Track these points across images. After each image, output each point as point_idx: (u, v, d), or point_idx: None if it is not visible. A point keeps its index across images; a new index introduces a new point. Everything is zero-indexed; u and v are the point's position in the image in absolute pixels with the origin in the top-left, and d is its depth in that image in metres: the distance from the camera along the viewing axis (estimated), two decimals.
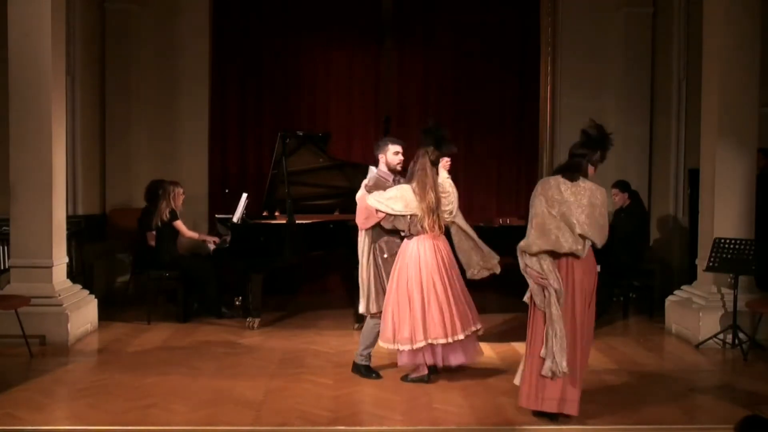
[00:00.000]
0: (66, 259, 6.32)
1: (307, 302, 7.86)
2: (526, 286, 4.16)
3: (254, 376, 5.02)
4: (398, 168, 5.15)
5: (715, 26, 6.24)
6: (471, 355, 4.98)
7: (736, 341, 5.81)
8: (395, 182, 5.07)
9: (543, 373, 3.97)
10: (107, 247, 8.32)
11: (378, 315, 4.93)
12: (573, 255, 4.05)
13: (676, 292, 6.67)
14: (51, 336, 5.81)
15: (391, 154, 5.12)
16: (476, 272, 4.99)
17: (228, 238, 6.82)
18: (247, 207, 6.88)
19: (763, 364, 5.51)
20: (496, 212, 8.64)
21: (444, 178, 4.95)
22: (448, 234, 5.02)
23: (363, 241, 4.98)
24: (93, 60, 8.24)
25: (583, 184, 4.20)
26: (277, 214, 7.38)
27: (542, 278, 4.00)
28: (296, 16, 8.82)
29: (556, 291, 3.96)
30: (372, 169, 5.17)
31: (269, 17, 8.81)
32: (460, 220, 5.02)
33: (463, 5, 8.96)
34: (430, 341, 4.74)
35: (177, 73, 8.67)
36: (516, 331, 6.59)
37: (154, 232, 6.98)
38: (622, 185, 7.50)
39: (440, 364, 4.91)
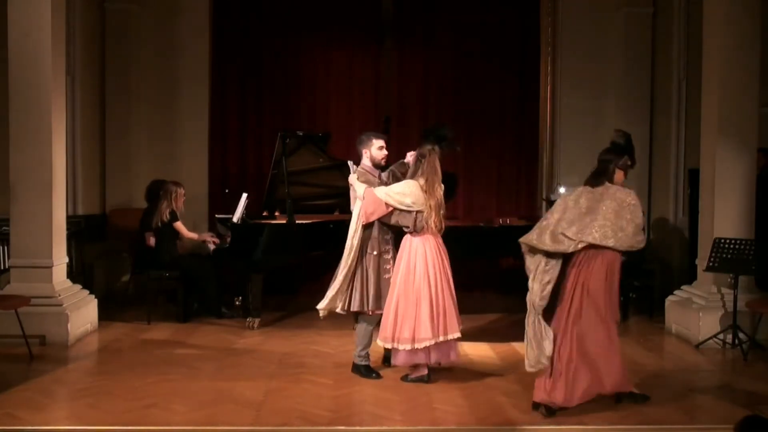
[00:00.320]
0: (66, 259, 6.32)
1: (307, 302, 7.80)
2: (526, 286, 4.22)
3: (254, 376, 5.02)
4: (382, 163, 5.14)
5: (715, 26, 6.24)
6: (456, 355, 5.01)
7: (736, 341, 5.81)
8: (380, 177, 5.04)
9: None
10: (107, 247, 8.31)
11: (360, 313, 4.94)
12: (584, 253, 4.23)
13: (676, 292, 6.67)
14: (51, 336, 5.81)
15: (376, 148, 5.10)
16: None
17: (228, 239, 6.82)
18: (247, 207, 6.88)
19: (763, 364, 5.51)
20: (496, 212, 8.64)
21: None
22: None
23: (355, 237, 4.90)
24: (93, 60, 8.24)
25: (615, 189, 4.34)
26: (277, 214, 7.38)
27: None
28: (296, 16, 8.82)
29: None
30: (351, 165, 5.11)
31: (269, 17, 8.81)
32: None
33: (463, 5, 8.96)
34: (441, 338, 4.78)
35: (177, 73, 8.66)
36: (516, 331, 6.59)
37: (152, 233, 6.97)
38: None
39: (443, 361, 4.94)
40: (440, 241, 4.94)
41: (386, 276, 4.96)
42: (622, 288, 7.45)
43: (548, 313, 4.31)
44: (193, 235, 7.12)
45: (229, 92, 8.86)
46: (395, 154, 8.32)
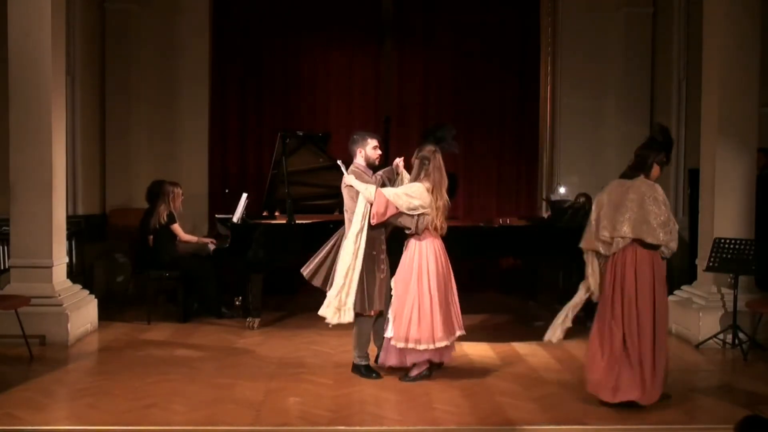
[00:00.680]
0: (66, 259, 6.32)
1: (307, 302, 7.81)
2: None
3: (254, 376, 5.02)
4: (377, 162, 5.15)
5: (715, 26, 6.24)
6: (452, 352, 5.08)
7: (736, 341, 5.81)
8: (375, 177, 5.04)
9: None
10: (107, 247, 8.32)
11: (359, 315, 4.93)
12: (625, 250, 4.36)
13: (676, 292, 6.67)
14: (51, 336, 5.80)
15: (371, 148, 5.11)
16: None
17: (228, 238, 6.82)
18: (247, 207, 6.88)
19: (763, 364, 5.51)
20: (496, 212, 8.64)
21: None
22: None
23: (360, 238, 4.87)
24: (93, 60, 8.24)
25: (638, 182, 4.41)
26: (277, 214, 7.38)
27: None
28: (296, 16, 8.83)
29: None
30: (342, 166, 5.07)
31: (269, 17, 8.81)
32: None
33: (463, 5, 8.96)
34: (452, 338, 4.84)
35: (177, 73, 8.66)
36: (516, 331, 6.60)
37: (152, 234, 6.98)
38: None
39: (446, 359, 4.99)
40: (442, 242, 4.97)
41: (381, 276, 4.97)
42: None
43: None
44: (192, 238, 7.12)
45: (229, 92, 8.86)
46: (395, 154, 8.34)
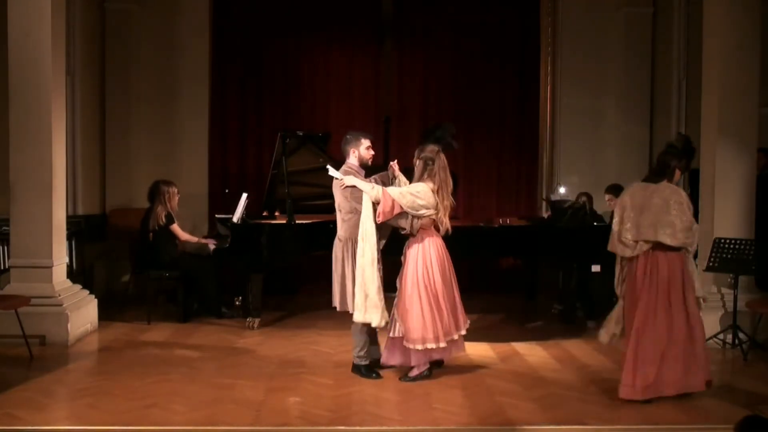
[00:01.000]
0: (66, 259, 6.32)
1: (307, 302, 7.85)
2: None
3: (254, 376, 5.02)
4: (369, 162, 5.16)
5: (715, 26, 6.24)
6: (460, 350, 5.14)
7: (736, 341, 5.81)
8: (370, 180, 5.04)
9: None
10: (107, 247, 8.32)
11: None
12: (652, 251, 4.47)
13: None
14: (51, 336, 5.80)
15: (364, 148, 5.12)
16: None
17: (228, 238, 6.82)
18: (247, 207, 6.88)
19: (763, 364, 5.51)
20: (495, 212, 8.65)
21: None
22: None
23: (372, 238, 4.85)
24: (93, 60, 8.24)
25: (662, 186, 4.53)
26: (277, 214, 7.38)
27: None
28: (296, 16, 8.83)
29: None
30: (331, 168, 5.06)
31: (269, 17, 8.81)
32: None
33: (463, 5, 8.97)
34: (456, 336, 4.89)
35: (177, 73, 8.66)
36: (516, 331, 6.60)
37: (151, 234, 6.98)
38: (614, 190, 7.48)
39: (448, 356, 5.04)
40: (443, 241, 5.00)
41: (378, 274, 4.95)
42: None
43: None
44: (191, 238, 7.12)
45: (229, 92, 8.86)
46: (395, 154, 8.36)
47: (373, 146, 5.23)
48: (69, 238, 6.72)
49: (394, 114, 8.79)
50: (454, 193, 5.09)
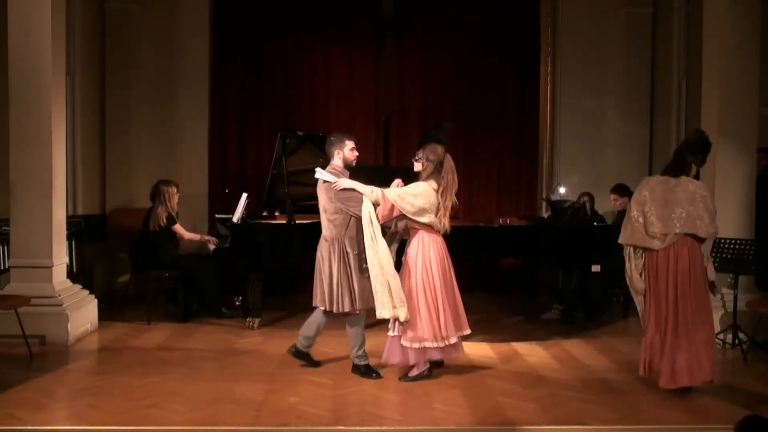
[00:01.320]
0: (66, 259, 6.32)
1: (307, 302, 7.79)
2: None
3: (254, 376, 5.02)
4: (354, 164, 5.17)
5: (715, 26, 6.25)
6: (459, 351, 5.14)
7: (736, 341, 5.81)
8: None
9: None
10: (107, 247, 8.32)
11: (344, 314, 4.98)
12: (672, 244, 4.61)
13: None
14: (51, 336, 5.80)
15: (349, 150, 5.13)
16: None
17: (228, 238, 6.82)
18: (247, 207, 6.88)
19: (763, 364, 5.51)
20: (495, 212, 8.64)
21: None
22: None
23: (382, 240, 4.88)
24: (93, 60, 8.24)
25: (684, 181, 4.69)
26: (277, 214, 7.38)
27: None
28: (296, 16, 8.83)
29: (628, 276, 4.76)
30: (320, 171, 5.06)
31: (269, 17, 8.81)
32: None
33: (463, 5, 8.96)
34: (455, 338, 4.89)
35: (177, 73, 8.66)
36: (516, 331, 6.60)
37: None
38: (620, 190, 7.50)
39: (447, 357, 5.06)
40: (444, 241, 5.01)
41: (366, 275, 4.98)
42: (623, 288, 7.50)
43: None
44: (194, 236, 7.13)
45: (229, 92, 8.86)
46: (395, 154, 8.39)
47: (358, 148, 5.23)
48: (69, 238, 6.72)
49: (394, 114, 8.79)
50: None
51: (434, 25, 8.99)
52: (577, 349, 5.93)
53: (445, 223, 4.93)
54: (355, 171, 6.38)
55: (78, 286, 6.43)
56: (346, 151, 5.12)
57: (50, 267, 5.95)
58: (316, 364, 5.31)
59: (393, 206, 4.82)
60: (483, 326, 6.73)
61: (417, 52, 9.01)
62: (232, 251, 6.65)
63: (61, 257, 6.14)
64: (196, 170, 8.66)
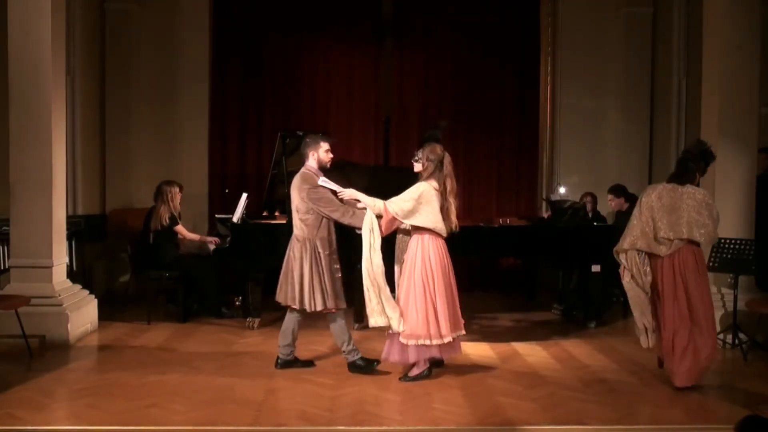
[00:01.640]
0: (66, 259, 6.32)
1: None
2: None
3: (254, 376, 5.02)
4: (328, 165, 5.20)
5: (715, 26, 6.25)
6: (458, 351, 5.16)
7: (736, 341, 5.81)
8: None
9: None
10: (107, 247, 8.32)
11: (322, 312, 5.00)
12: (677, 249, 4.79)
13: None
14: (51, 336, 5.80)
15: (323, 151, 5.16)
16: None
17: (228, 238, 6.82)
18: (247, 207, 6.88)
19: (763, 364, 5.51)
20: (495, 212, 8.64)
21: None
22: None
23: (372, 255, 4.93)
24: (93, 60, 8.24)
25: (690, 189, 4.86)
26: (277, 214, 7.38)
27: (625, 269, 4.90)
28: (296, 17, 8.83)
29: (635, 280, 4.89)
30: (325, 181, 5.06)
31: (269, 17, 8.81)
32: None
33: (463, 5, 8.96)
34: (451, 337, 4.89)
35: (177, 73, 8.67)
36: (516, 331, 6.60)
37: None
38: (616, 190, 7.50)
39: (452, 356, 5.08)
40: (444, 241, 5.01)
41: (338, 275, 5.06)
42: (623, 288, 7.51)
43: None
44: (195, 237, 7.13)
45: (229, 92, 8.86)
46: (395, 154, 8.38)
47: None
48: (69, 238, 6.72)
49: (394, 114, 8.79)
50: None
51: (434, 25, 9.00)
52: (577, 349, 5.93)
53: (453, 221, 4.93)
54: (355, 171, 6.40)
55: (78, 286, 6.43)
56: (321, 153, 5.14)
57: (50, 267, 5.95)
58: (310, 364, 5.31)
59: (394, 218, 4.86)
60: (483, 326, 6.73)
61: (417, 52, 9.02)
62: (232, 251, 6.65)
63: (61, 257, 6.14)
64: (196, 170, 8.67)
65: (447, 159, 4.97)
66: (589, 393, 4.69)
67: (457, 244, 5.14)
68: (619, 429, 4.11)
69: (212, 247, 7.00)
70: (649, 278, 4.85)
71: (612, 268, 6.38)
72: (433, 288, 4.86)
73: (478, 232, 6.77)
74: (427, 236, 4.91)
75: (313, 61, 8.92)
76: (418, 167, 5.00)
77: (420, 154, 4.98)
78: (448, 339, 4.87)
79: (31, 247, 5.92)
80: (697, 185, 4.97)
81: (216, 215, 7.71)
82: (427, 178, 4.92)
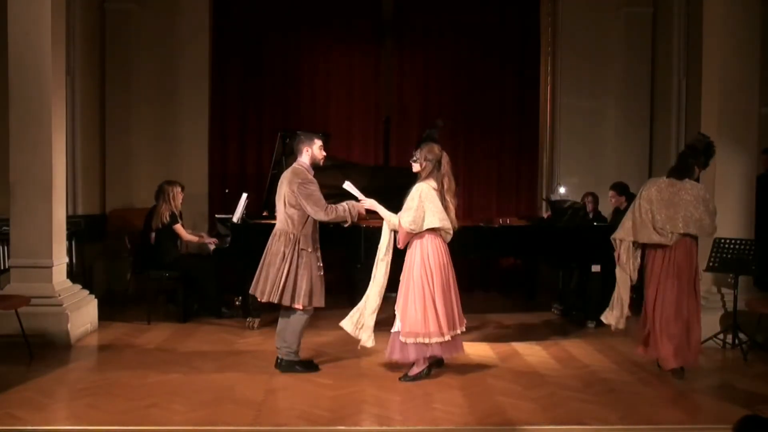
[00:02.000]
0: (66, 259, 6.32)
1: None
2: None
3: (254, 376, 5.02)
4: (321, 163, 5.22)
5: (715, 26, 6.24)
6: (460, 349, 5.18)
7: (736, 341, 5.81)
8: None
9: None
10: (107, 247, 8.32)
11: (297, 309, 5.03)
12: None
13: None
14: (51, 336, 5.80)
15: (317, 148, 5.17)
16: None
17: (228, 238, 6.82)
18: (247, 207, 6.88)
19: (763, 364, 5.51)
20: (495, 212, 8.65)
21: None
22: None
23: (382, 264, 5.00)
24: (93, 60, 8.24)
25: (688, 183, 5.04)
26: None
27: (618, 258, 5.17)
28: (296, 16, 8.83)
29: (623, 267, 5.17)
30: (348, 184, 5.10)
31: (269, 17, 8.81)
32: None
33: (463, 5, 8.97)
34: (453, 333, 4.92)
35: (177, 73, 8.67)
36: (516, 331, 6.60)
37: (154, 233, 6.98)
38: (618, 188, 7.50)
39: (447, 356, 5.08)
40: (444, 241, 5.02)
41: (320, 273, 5.07)
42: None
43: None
44: (193, 238, 7.13)
45: (229, 92, 8.86)
46: (395, 154, 8.38)
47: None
48: (69, 238, 6.72)
49: (394, 114, 8.80)
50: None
51: (434, 25, 9.00)
52: (577, 349, 5.93)
53: (452, 219, 4.94)
54: (355, 171, 6.40)
55: (78, 286, 6.43)
56: (314, 149, 5.15)
57: (50, 267, 5.95)
58: (314, 367, 5.29)
59: (408, 233, 4.90)
60: (483, 326, 6.74)
61: (417, 52, 9.02)
62: (232, 251, 6.65)
63: (61, 257, 6.14)
64: (196, 170, 8.67)
65: (445, 158, 4.97)
66: (589, 393, 4.69)
67: (457, 244, 5.14)
68: (619, 429, 4.11)
69: (212, 247, 7.00)
70: (637, 266, 5.13)
71: (612, 268, 6.38)
72: (432, 286, 4.87)
73: (478, 232, 6.77)
74: (426, 235, 4.92)
75: (313, 61, 8.92)
76: (416, 167, 5.00)
77: (418, 154, 4.98)
78: (447, 337, 4.88)
79: (31, 247, 5.92)
80: (698, 180, 5.10)
81: (216, 215, 7.71)
82: (426, 177, 4.93)
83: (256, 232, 6.61)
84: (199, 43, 8.69)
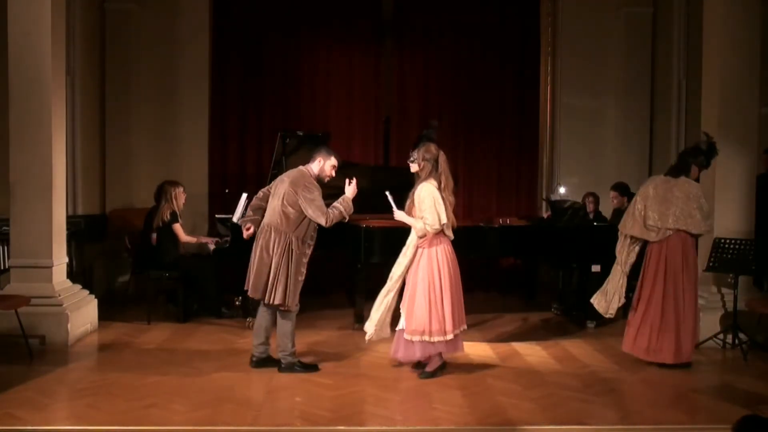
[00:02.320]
0: (66, 259, 6.31)
1: (307, 302, 7.81)
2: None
3: (254, 376, 5.02)
4: (325, 180, 5.23)
5: (715, 26, 6.25)
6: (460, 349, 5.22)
7: (736, 341, 5.81)
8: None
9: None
10: (107, 247, 8.31)
11: (287, 307, 5.03)
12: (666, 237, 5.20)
13: None
14: (51, 336, 5.80)
15: (330, 166, 5.20)
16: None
17: (228, 238, 6.82)
18: (247, 207, 6.87)
19: (763, 364, 5.51)
20: (495, 212, 8.64)
21: None
22: None
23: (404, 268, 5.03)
24: (93, 60, 8.24)
25: (683, 181, 5.26)
26: None
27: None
28: (296, 16, 8.83)
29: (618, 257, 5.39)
30: (389, 195, 5.13)
31: (269, 17, 8.81)
32: None
33: (463, 5, 8.96)
34: (457, 331, 4.97)
35: (177, 73, 8.66)
36: (516, 331, 6.60)
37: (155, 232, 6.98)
38: (620, 188, 7.50)
39: (448, 354, 5.11)
40: (449, 242, 5.06)
41: (301, 277, 5.09)
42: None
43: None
44: (191, 239, 7.12)
45: (229, 92, 8.86)
46: (395, 154, 8.38)
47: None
48: (69, 238, 6.71)
49: (394, 114, 8.79)
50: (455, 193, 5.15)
51: (434, 25, 9.00)
52: (577, 349, 5.93)
53: (451, 218, 4.96)
54: (355, 171, 6.39)
55: (78, 286, 6.43)
56: (327, 165, 5.18)
57: (50, 267, 5.95)
58: (313, 368, 5.30)
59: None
60: (483, 326, 6.74)
61: (417, 52, 9.01)
62: (233, 251, 6.65)
63: (61, 257, 6.14)
64: (196, 170, 8.66)
65: (442, 157, 4.98)
66: (589, 393, 4.70)
67: (457, 244, 5.15)
68: (619, 429, 4.11)
69: (212, 246, 7.00)
70: (631, 261, 5.35)
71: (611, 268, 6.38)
72: (440, 285, 4.90)
73: (478, 232, 6.77)
74: (435, 239, 4.93)
75: (313, 61, 8.92)
76: (414, 168, 5.02)
77: (415, 154, 5.00)
78: (450, 336, 4.91)
79: (31, 247, 5.92)
80: (697, 180, 5.24)
81: (216, 215, 7.70)
82: (426, 177, 4.94)
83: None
84: (199, 43, 8.68)
